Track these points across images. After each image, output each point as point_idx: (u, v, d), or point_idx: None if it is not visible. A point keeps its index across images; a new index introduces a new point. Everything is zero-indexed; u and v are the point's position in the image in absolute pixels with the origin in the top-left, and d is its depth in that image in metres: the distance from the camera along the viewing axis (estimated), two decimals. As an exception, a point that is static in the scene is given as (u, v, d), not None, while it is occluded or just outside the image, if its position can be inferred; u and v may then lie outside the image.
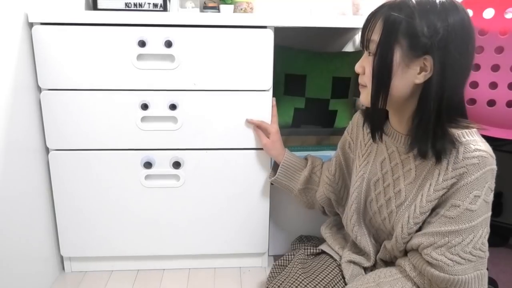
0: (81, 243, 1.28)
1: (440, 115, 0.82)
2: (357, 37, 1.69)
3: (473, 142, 0.82)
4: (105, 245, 1.28)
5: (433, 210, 0.87)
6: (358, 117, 1.07)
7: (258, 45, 1.14)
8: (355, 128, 1.07)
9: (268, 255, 1.41)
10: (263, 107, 1.19)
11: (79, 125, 1.16)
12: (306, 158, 1.22)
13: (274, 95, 1.20)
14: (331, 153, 1.47)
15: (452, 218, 0.83)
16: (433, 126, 0.82)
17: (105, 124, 1.17)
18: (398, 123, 0.92)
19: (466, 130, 0.84)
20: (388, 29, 0.80)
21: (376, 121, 0.94)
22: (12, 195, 1.07)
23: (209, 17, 1.11)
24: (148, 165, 1.20)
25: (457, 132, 0.83)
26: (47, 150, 1.20)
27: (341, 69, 1.43)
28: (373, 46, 0.82)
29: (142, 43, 1.11)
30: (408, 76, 0.81)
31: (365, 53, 0.86)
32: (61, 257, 1.33)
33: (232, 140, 1.21)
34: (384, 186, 0.96)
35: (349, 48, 1.70)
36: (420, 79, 0.81)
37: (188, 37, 1.12)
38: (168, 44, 1.12)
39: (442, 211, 0.85)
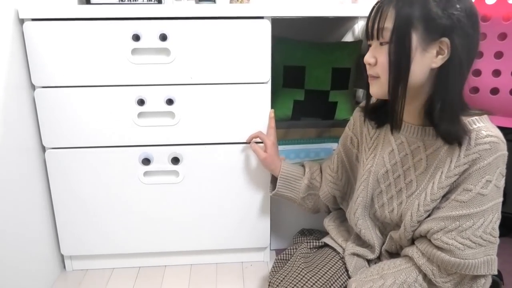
0: (81, 242, 1.26)
1: (460, 99, 0.82)
2: (357, 27, 1.66)
3: (484, 128, 0.82)
4: (105, 243, 1.27)
5: (443, 196, 0.87)
6: (360, 112, 1.05)
7: (255, 37, 1.11)
8: (357, 123, 1.05)
9: (270, 250, 1.40)
10: (262, 100, 1.17)
11: (75, 122, 1.14)
12: (303, 165, 1.20)
13: (272, 87, 1.18)
14: (332, 145, 1.45)
15: (464, 202, 0.83)
16: (455, 111, 0.82)
17: (101, 121, 1.15)
18: (408, 114, 0.90)
19: (477, 117, 0.83)
20: (402, 14, 0.78)
21: (397, 112, 0.90)
22: (10, 195, 1.06)
23: (205, 9, 1.09)
24: (146, 161, 1.19)
25: (467, 118, 0.83)
26: (44, 149, 1.18)
27: (341, 59, 1.40)
28: (387, 34, 0.80)
29: (136, 37, 1.09)
30: (426, 61, 0.80)
31: (375, 43, 0.84)
32: (62, 256, 1.31)
33: (231, 134, 1.19)
34: (394, 178, 0.95)
35: (348, 38, 1.67)
36: (437, 62, 0.80)
37: (184, 30, 1.10)
38: (163, 37, 1.09)
39: (453, 196, 0.84)
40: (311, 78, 1.40)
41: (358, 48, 1.44)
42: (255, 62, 1.13)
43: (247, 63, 1.13)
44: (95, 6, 1.08)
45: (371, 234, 1.01)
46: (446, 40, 0.78)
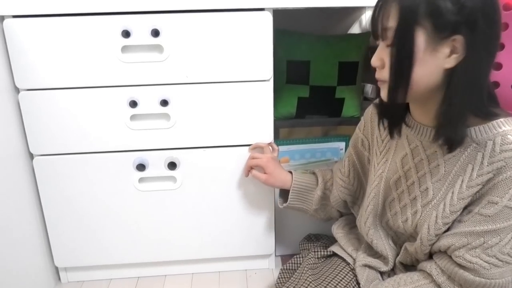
0: (76, 253, 1.19)
1: (480, 99, 0.73)
2: (364, 17, 1.56)
3: (510, 131, 0.72)
4: (101, 253, 1.20)
5: (465, 208, 0.78)
6: (371, 112, 0.97)
7: (255, 30, 1.03)
8: (368, 124, 0.97)
9: (275, 256, 1.33)
10: (264, 99, 1.08)
11: (63, 127, 1.07)
12: (314, 173, 1.12)
13: (275, 84, 1.09)
14: (339, 145, 1.37)
15: (489, 216, 0.73)
16: (464, 109, 0.73)
17: (92, 125, 1.07)
18: (423, 115, 0.81)
19: (503, 119, 0.74)
20: (406, 12, 0.69)
21: (395, 117, 0.84)
22: (-7, 207, 0.99)
23: (200, 1, 1.00)
24: (141, 167, 1.11)
25: (492, 121, 0.74)
26: (31, 156, 1.10)
27: (347, 53, 1.32)
28: (390, 35, 0.72)
29: (126, 33, 1.01)
30: (437, 62, 0.71)
31: (381, 44, 0.75)
32: (56, 268, 1.24)
33: (232, 136, 1.11)
34: (408, 185, 0.86)
35: (355, 29, 1.58)
36: (450, 62, 0.70)
37: (177, 25, 1.01)
38: (155, 33, 1.01)
39: (477, 209, 0.75)
40: (316, 73, 1.32)
41: (367, 40, 1.35)
42: (256, 58, 1.05)
43: (247, 59, 1.04)
44: (80, 1, 1.00)
45: (384, 244, 0.93)
46: (459, 37, 0.68)
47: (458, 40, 0.68)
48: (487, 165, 0.74)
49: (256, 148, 1.13)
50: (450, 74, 0.72)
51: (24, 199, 1.10)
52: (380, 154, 0.92)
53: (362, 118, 1.00)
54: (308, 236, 1.23)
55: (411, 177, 0.85)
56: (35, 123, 1.06)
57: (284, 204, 1.10)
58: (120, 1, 0.99)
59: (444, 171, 0.80)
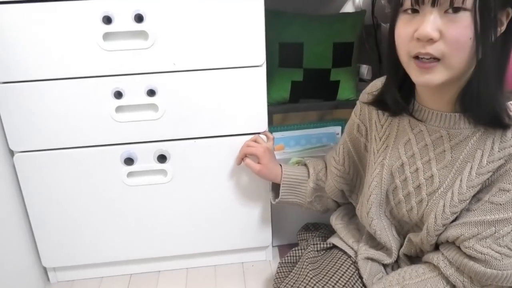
0: (64, 252, 1.14)
1: (503, 80, 0.68)
2: (357, -6, 1.49)
3: None
4: (90, 251, 1.15)
5: (473, 196, 0.74)
6: (367, 96, 0.90)
7: (246, 13, 0.96)
8: (365, 108, 0.90)
9: (272, 246, 1.29)
10: (257, 85, 1.03)
11: (44, 121, 1.00)
12: (305, 165, 1.07)
13: (267, 68, 1.03)
14: (335, 129, 1.32)
15: (500, 204, 0.70)
16: (499, 92, 0.68)
17: (75, 118, 1.00)
18: (434, 100, 0.75)
19: None
20: None
21: (400, 100, 0.78)
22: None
23: (185, -17, 0.93)
24: (129, 161, 1.05)
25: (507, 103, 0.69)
26: (12, 153, 1.04)
27: (342, 33, 1.25)
28: (468, 0, 0.61)
29: (107, 19, 0.93)
30: None
31: (436, 11, 0.63)
32: (45, 268, 1.19)
33: (224, 125, 1.05)
34: (411, 172, 0.81)
35: (348, 8, 1.51)
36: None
37: (162, 9, 0.94)
38: (139, 18, 0.94)
39: (487, 197, 0.72)
40: (310, 56, 1.26)
41: (362, 19, 1.28)
42: (247, 43, 0.98)
43: (237, 44, 0.98)
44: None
45: (387, 235, 0.89)
46: (510, 10, 0.64)
47: (507, 12, 0.64)
48: (498, 151, 0.70)
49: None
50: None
51: (5, 198, 1.04)
52: (380, 140, 0.87)
53: (357, 102, 0.93)
54: (306, 225, 1.19)
55: (414, 163, 0.80)
56: (14, 118, 0.99)
57: (277, 199, 1.05)
58: (99, -16, 0.91)
59: (451, 157, 0.75)
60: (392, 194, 0.85)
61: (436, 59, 0.65)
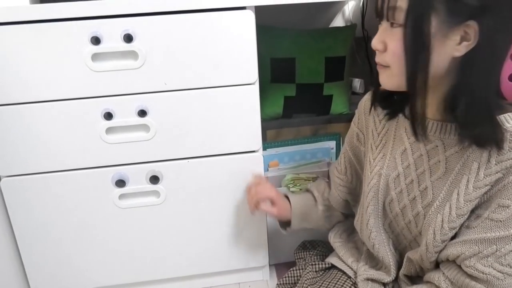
0: (54, 278, 1.10)
1: (489, 93, 0.67)
2: (347, 8, 1.49)
3: None
4: (81, 276, 1.11)
5: (472, 211, 0.72)
6: (364, 103, 0.90)
7: (237, 31, 0.95)
8: (362, 117, 0.90)
9: (269, 265, 1.26)
10: (249, 104, 1.01)
11: (32, 144, 0.97)
12: (308, 190, 1.07)
13: (260, 83, 1.01)
14: (329, 144, 1.30)
15: (500, 221, 0.68)
16: (486, 107, 0.67)
17: (64, 140, 0.98)
18: (428, 104, 0.74)
19: (511, 113, 0.68)
20: None
21: (394, 105, 0.79)
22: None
23: (176, 2, 0.91)
24: (120, 183, 1.02)
25: (500, 115, 0.67)
26: (-2, 177, 1.01)
27: (334, 47, 1.25)
28: (400, 15, 0.65)
29: (96, 40, 0.91)
30: (446, 49, 0.65)
31: (384, 25, 0.69)
32: (33, 294, 1.15)
33: (216, 145, 1.03)
34: (407, 183, 0.79)
35: (338, 21, 1.51)
36: (460, 50, 0.64)
37: (152, 28, 0.92)
38: (128, 38, 0.92)
39: (486, 213, 0.70)
40: (303, 71, 1.25)
41: (353, 32, 1.28)
42: (239, 61, 0.97)
43: (229, 62, 0.96)
44: (42, 6, 0.89)
45: (386, 250, 0.87)
46: (473, 23, 0.62)
47: (472, 26, 0.62)
48: (495, 164, 0.68)
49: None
50: (459, 63, 0.66)
51: (-7, 224, 1.01)
52: (376, 148, 0.85)
53: (356, 112, 0.94)
54: (303, 243, 1.16)
55: (409, 174, 0.79)
56: (1, 141, 0.96)
57: (289, 229, 1.04)
58: (87, 4, 0.89)
59: (445, 168, 0.74)
60: (389, 207, 0.84)
61: (387, 66, 0.71)
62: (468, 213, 0.72)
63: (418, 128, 0.72)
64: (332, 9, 1.51)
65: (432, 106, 0.73)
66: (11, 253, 1.06)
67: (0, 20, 0.88)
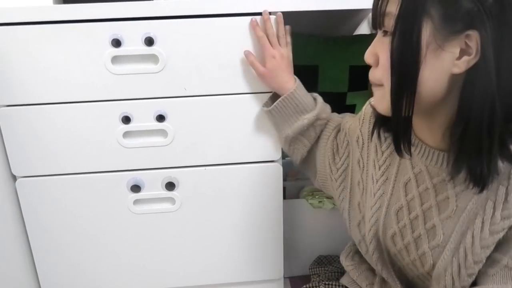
0: (65, 280, 1.09)
1: (494, 120, 0.56)
2: (373, 16, 1.45)
3: None
4: (93, 281, 1.09)
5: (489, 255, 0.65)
6: (372, 111, 0.81)
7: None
8: (367, 123, 0.81)
9: (284, 277, 1.23)
10: (271, 112, 0.98)
11: (48, 146, 0.96)
12: (315, 99, 0.93)
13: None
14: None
15: None
16: (488, 136, 0.57)
17: (80, 143, 0.96)
18: (428, 133, 0.67)
19: None
20: None
21: (401, 132, 0.64)
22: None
23: (200, 5, 0.89)
24: (136, 188, 1.00)
25: None
26: (14, 178, 0.99)
27: (359, 56, 1.18)
28: (389, 22, 0.57)
29: (117, 42, 0.90)
30: (442, 64, 0.56)
31: (379, 34, 0.62)
32: (45, 297, 1.14)
33: (235, 153, 1.00)
34: (411, 219, 0.72)
35: (363, 29, 1.47)
36: (460, 66, 0.56)
37: (174, 32, 0.90)
38: (149, 41, 0.90)
39: (505, 260, 0.63)
40: (326, 79, 1.22)
41: (378, 42, 1.24)
42: (262, 68, 0.94)
43: (249, 69, 0.93)
44: (63, 6, 0.88)
45: (393, 278, 0.81)
46: (474, 33, 0.54)
47: (473, 36, 0.54)
48: None
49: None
50: (460, 82, 0.57)
51: (6, 224, 1.00)
52: (380, 169, 0.77)
53: (362, 110, 0.84)
54: (318, 259, 1.13)
55: (414, 209, 0.71)
56: (17, 141, 0.95)
57: (266, 109, 0.92)
58: (109, 6, 0.87)
59: (456, 206, 0.66)
60: (393, 240, 0.76)
61: (381, 84, 0.62)
62: (485, 258, 0.65)
63: (400, 150, 0.64)
64: (357, 17, 1.47)
65: (436, 133, 0.65)
66: (24, 254, 1.05)
67: (24, 19, 0.87)
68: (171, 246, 1.08)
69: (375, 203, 0.77)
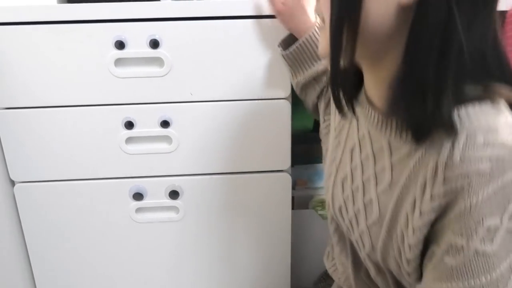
0: (64, 289, 1.06)
1: (447, 63, 0.46)
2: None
3: (484, 128, 0.45)
4: (92, 290, 1.06)
5: (425, 242, 0.53)
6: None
7: (269, 41, 0.87)
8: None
9: (290, 289, 1.19)
10: (281, 120, 0.93)
11: (48, 151, 0.92)
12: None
13: (291, 96, 0.93)
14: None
15: (455, 268, 0.48)
16: (433, 80, 0.46)
17: (81, 148, 0.93)
18: (373, 89, 0.56)
19: (479, 106, 0.47)
20: None
21: (340, 80, 0.54)
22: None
23: (208, 6, 0.85)
24: (138, 196, 0.96)
25: (462, 108, 0.47)
26: (12, 183, 0.96)
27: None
28: None
29: (120, 44, 0.86)
30: None
31: None
32: (43, 305, 1.11)
33: (242, 161, 0.96)
34: (353, 190, 0.62)
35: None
36: None
37: (180, 34, 0.86)
38: (154, 43, 0.86)
39: (439, 252, 0.51)
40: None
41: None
42: (271, 73, 0.89)
43: (260, 74, 0.89)
44: (65, 6, 0.85)
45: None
46: None
47: None
48: (444, 182, 0.47)
49: None
50: (409, 21, 0.47)
51: (4, 230, 0.97)
52: (335, 131, 0.69)
53: None
54: (324, 274, 1.08)
55: (356, 178, 0.62)
56: (16, 146, 0.92)
57: (283, 52, 0.84)
58: (113, 7, 0.84)
59: (391, 177, 0.55)
60: (341, 214, 0.66)
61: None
62: (421, 244, 0.53)
63: (347, 104, 0.55)
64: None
65: (382, 89, 0.53)
66: (21, 261, 1.02)
67: (26, 19, 0.84)
68: (173, 256, 1.04)
69: (327, 170, 0.71)
